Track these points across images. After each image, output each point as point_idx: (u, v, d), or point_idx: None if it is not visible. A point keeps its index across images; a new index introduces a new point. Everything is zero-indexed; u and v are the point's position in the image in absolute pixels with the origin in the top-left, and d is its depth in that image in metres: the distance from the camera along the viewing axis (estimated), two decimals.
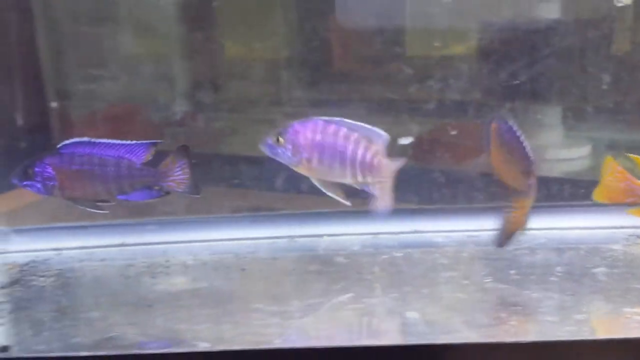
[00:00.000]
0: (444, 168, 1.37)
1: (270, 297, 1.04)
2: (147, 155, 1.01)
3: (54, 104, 1.47)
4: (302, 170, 1.01)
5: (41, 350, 0.88)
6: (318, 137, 0.98)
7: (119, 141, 0.99)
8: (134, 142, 1.00)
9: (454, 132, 1.33)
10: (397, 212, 1.30)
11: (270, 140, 0.98)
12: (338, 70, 1.59)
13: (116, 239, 1.26)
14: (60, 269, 1.15)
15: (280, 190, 1.32)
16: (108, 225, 1.28)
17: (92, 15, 1.48)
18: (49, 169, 1.00)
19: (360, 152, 0.98)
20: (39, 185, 1.00)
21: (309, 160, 0.98)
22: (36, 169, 0.99)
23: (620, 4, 1.24)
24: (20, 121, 1.45)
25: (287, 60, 1.62)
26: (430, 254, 1.20)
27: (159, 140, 1.01)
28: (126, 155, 1.00)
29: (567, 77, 1.41)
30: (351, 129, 0.98)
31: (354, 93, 1.57)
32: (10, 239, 1.24)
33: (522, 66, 1.36)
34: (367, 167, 0.99)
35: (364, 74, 1.57)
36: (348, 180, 1.00)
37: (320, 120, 0.99)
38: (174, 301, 1.03)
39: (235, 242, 1.26)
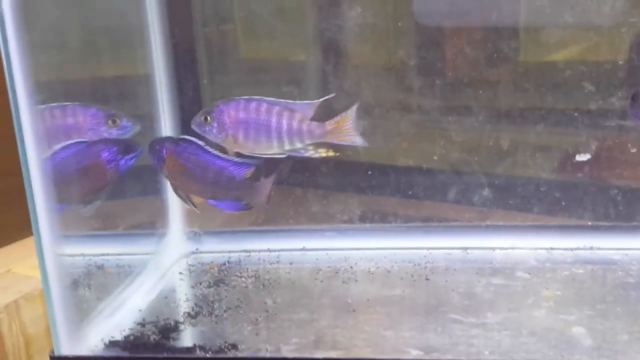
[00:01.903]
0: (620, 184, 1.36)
1: (464, 309, 1.08)
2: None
3: None
4: (229, 145, 1.09)
5: (266, 349, 0.97)
6: (241, 114, 1.07)
7: None
8: None
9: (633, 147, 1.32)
10: (572, 228, 1.32)
11: (198, 119, 1.09)
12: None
13: (297, 244, 1.34)
14: (255, 270, 1.25)
15: (452, 202, 1.36)
16: (289, 230, 1.36)
17: None
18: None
19: (284, 121, 1.06)
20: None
21: (234, 136, 1.08)
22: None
23: None
24: None
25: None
26: (613, 272, 1.20)
27: None
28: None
29: None
30: (272, 104, 1.07)
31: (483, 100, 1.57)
32: (202, 240, 1.35)
33: None
34: (295, 134, 1.07)
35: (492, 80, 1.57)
36: (276, 150, 1.08)
37: (242, 99, 1.08)
38: (373, 307, 1.09)
39: (411, 251, 1.31)
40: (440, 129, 1.42)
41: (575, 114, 1.31)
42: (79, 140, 1.09)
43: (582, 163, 1.30)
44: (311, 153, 1.08)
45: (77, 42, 1.25)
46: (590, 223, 1.32)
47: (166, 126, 1.31)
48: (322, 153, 1.09)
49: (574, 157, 1.29)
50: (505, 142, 1.39)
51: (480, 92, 1.41)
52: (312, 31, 1.54)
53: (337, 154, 1.08)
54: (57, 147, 1.06)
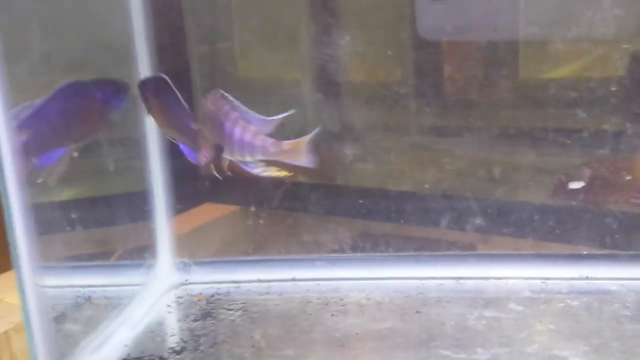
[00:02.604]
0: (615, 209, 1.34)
1: (455, 343, 1.06)
2: None
3: None
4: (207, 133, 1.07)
5: None
6: (211, 106, 1.04)
7: None
8: None
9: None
10: (567, 257, 1.30)
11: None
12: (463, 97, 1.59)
13: (288, 274, 1.32)
14: (244, 302, 1.23)
15: (444, 228, 1.34)
16: (280, 260, 1.34)
17: None
18: None
19: (237, 130, 1.03)
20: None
21: (207, 126, 1.06)
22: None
23: None
24: None
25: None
26: (609, 304, 1.18)
27: None
28: None
29: None
30: (233, 108, 1.03)
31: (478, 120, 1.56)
32: (192, 270, 1.33)
33: None
34: (247, 146, 1.03)
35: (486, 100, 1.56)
36: (230, 155, 1.05)
37: (219, 92, 1.04)
38: (362, 342, 1.07)
39: (403, 281, 1.29)
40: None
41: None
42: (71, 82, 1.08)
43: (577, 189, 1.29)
44: (260, 170, 1.05)
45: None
46: (585, 252, 1.30)
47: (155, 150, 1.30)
48: (274, 172, 1.05)
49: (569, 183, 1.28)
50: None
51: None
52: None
53: (291, 174, 1.05)
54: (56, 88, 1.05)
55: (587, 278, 1.26)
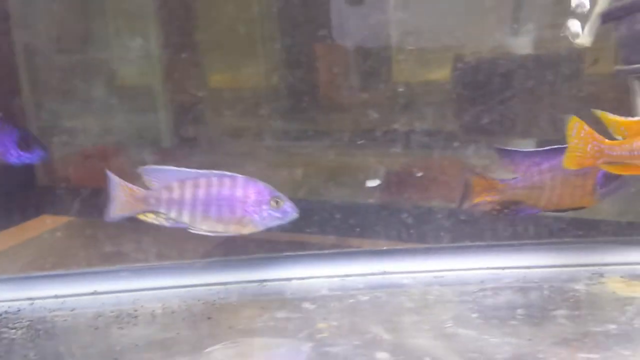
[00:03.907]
0: (415, 205, 1.40)
1: (233, 347, 1.06)
2: None
3: None
4: None
5: None
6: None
7: None
8: None
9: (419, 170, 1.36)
10: (366, 253, 1.34)
11: None
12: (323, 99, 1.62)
13: (88, 287, 1.28)
14: (31, 320, 1.17)
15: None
16: (80, 274, 1.30)
17: None
18: None
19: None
20: None
21: None
22: None
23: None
24: None
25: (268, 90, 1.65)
26: (396, 297, 1.22)
27: None
28: None
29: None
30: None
31: (335, 123, 1.60)
32: None
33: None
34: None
35: (347, 103, 1.59)
36: None
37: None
38: (138, 354, 1.05)
39: (206, 287, 1.28)
40: None
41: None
42: None
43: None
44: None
45: None
46: (385, 248, 1.35)
47: None
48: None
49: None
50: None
51: None
52: None
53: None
54: None
55: (384, 273, 1.31)
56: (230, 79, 1.75)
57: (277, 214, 1.14)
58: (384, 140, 1.38)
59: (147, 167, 1.14)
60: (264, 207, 1.13)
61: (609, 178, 1.12)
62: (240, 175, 1.13)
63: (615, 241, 1.28)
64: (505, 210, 1.16)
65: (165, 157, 1.70)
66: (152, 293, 1.26)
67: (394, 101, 1.43)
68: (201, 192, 1.12)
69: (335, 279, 1.29)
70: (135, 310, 1.20)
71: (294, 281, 1.29)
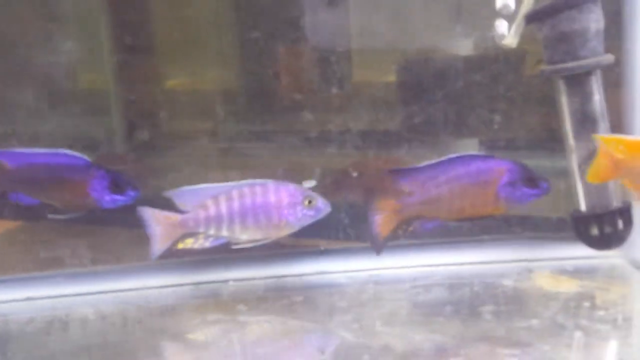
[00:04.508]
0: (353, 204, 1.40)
1: (158, 354, 1.06)
2: None
3: None
4: None
5: None
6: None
7: None
8: None
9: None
10: (303, 254, 1.34)
11: None
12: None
13: (22, 293, 1.27)
14: None
15: None
16: (14, 279, 1.28)
17: None
18: None
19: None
20: None
21: None
22: None
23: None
24: None
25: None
26: (330, 296, 1.23)
27: None
28: None
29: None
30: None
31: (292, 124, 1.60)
32: None
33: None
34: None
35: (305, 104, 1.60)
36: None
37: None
38: (66, 358, 1.04)
39: (141, 291, 1.27)
40: None
41: None
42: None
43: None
44: None
45: None
46: (322, 248, 1.35)
47: None
48: None
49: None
50: None
51: None
52: None
53: None
54: None
55: (320, 272, 1.32)
56: (185, 82, 1.74)
57: (312, 212, 1.16)
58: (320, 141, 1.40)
59: (176, 190, 1.14)
60: (299, 207, 1.15)
61: (514, 186, 1.15)
62: (270, 181, 1.15)
63: (544, 237, 1.31)
64: (410, 228, 1.19)
65: (116, 161, 1.69)
66: (86, 298, 1.25)
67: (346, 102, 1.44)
68: (236, 205, 1.14)
69: (272, 280, 1.30)
70: (67, 316, 1.19)
71: (230, 283, 1.30)
